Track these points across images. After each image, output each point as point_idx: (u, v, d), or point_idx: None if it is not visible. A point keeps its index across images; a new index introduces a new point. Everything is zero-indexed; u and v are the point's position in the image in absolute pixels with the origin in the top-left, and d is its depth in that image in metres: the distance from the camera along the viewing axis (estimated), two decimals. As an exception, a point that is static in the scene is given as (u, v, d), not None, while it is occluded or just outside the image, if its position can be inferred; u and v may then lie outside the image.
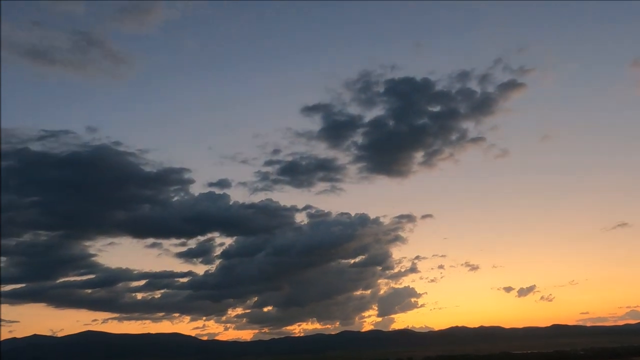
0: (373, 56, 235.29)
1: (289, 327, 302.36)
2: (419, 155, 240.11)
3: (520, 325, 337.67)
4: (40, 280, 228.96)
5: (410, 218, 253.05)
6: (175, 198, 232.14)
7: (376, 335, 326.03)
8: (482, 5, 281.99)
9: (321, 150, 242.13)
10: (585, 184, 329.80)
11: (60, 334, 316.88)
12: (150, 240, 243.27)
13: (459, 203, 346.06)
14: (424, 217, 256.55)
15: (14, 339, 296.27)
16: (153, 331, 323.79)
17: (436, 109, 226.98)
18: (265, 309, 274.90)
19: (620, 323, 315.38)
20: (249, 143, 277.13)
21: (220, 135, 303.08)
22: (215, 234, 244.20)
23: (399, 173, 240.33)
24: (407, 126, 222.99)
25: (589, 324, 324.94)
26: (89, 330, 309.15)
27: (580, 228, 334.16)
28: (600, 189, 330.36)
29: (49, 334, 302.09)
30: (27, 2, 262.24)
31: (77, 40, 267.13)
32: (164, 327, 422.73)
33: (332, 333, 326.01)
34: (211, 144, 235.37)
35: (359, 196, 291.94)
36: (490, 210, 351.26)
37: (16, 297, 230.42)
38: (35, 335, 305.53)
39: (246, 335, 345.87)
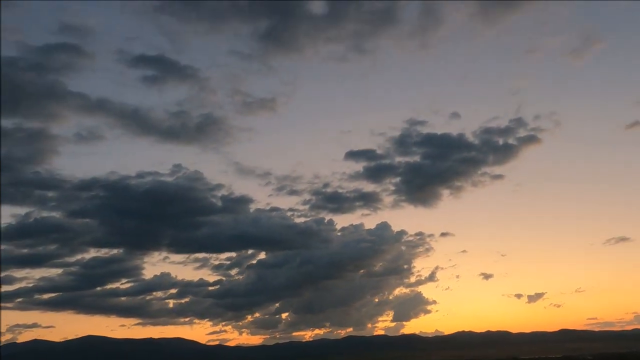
0: (411, 118, 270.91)
1: (300, 333, 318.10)
2: (445, 192, 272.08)
3: (527, 330, 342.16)
4: (82, 290, 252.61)
5: (432, 236, 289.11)
6: (230, 220, 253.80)
7: (382, 340, 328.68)
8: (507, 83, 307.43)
9: (363, 186, 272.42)
10: (587, 201, 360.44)
11: (60, 339, 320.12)
12: (194, 256, 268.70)
13: (477, 223, 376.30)
14: (444, 234, 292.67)
15: (14, 343, 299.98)
16: (156, 336, 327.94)
17: (463, 155, 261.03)
18: (282, 315, 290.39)
19: (629, 328, 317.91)
20: (303, 177, 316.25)
21: (280, 171, 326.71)
22: (256, 250, 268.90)
23: (427, 203, 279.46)
24: (437, 170, 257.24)
25: (596, 329, 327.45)
26: (89, 335, 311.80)
27: (586, 240, 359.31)
28: (602, 203, 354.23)
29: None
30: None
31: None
32: (168, 331, 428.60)
33: (338, 338, 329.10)
34: (272, 180, 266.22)
35: (390, 219, 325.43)
36: (505, 228, 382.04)
37: (55, 305, 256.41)
38: (35, 340, 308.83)
39: (257, 340, 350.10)
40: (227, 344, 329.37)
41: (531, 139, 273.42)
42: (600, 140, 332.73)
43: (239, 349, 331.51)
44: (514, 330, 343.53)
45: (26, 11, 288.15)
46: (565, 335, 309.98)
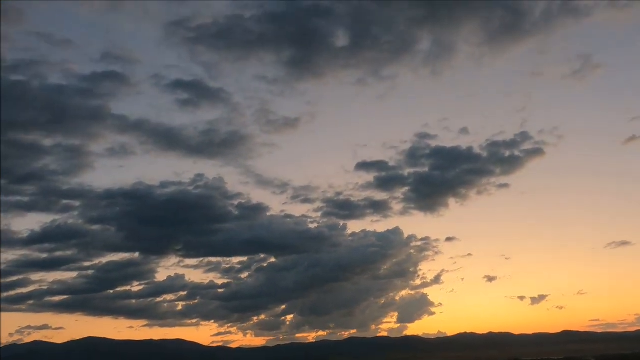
0: (422, 132, 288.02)
1: (304, 334, 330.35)
2: (452, 200, 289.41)
3: (530, 331, 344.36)
4: (94, 292, 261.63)
5: (438, 240, 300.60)
6: (245, 226, 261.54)
7: (384, 342, 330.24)
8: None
9: (374, 194, 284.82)
10: (588, 208, 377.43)
11: (61, 340, 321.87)
12: (208, 260, 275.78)
13: (482, 228, 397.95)
14: (450, 239, 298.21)
15: (15, 344, 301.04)
16: (161, 337, 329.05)
17: (470, 166, 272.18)
18: (287, 317, 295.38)
19: (631, 329, 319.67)
20: (319, 187, 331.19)
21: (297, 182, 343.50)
22: (267, 255, 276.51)
23: (434, 210, 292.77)
24: (444, 179, 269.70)
25: (599, 331, 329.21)
26: (90, 337, 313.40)
27: (588, 244, 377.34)
28: (603, 210, 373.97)
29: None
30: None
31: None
32: (173, 333, 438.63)
33: (340, 339, 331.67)
34: (289, 190, 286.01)
35: (398, 225, 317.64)
36: (509, 232, 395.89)
37: (66, 307, 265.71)
38: (35, 342, 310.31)
39: (260, 342, 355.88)
40: (231, 345, 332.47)
41: (536, 152, 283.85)
42: (600, 153, 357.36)
43: (240, 350, 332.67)
44: (516, 331, 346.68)
45: (74, 44, 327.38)
46: (568, 337, 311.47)
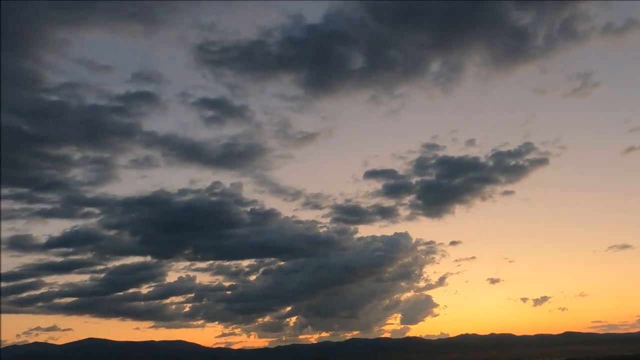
0: (430, 143, 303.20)
1: (307, 336, 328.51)
2: (458, 206, 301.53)
3: (532, 332, 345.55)
4: (103, 295, 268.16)
5: (442, 244, 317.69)
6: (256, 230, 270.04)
7: (386, 343, 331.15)
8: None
9: (382, 201, 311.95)
10: (590, 213, 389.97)
11: (61, 342, 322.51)
12: (218, 263, 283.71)
13: (486, 232, 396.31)
14: (454, 243, 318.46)
15: (15, 345, 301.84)
16: (157, 338, 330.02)
17: (476, 174, 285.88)
18: (291, 319, 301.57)
19: (633, 331, 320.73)
20: (331, 195, 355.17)
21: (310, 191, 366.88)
22: (276, 258, 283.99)
23: (440, 215, 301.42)
24: (450, 187, 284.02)
25: (601, 332, 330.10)
26: (90, 338, 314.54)
27: (590, 248, 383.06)
28: (604, 215, 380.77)
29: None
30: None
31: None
32: (178, 334, 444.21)
33: (341, 341, 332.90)
34: (301, 198, 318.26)
35: (404, 229, 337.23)
36: (513, 236, 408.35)
37: (74, 309, 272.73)
38: (36, 343, 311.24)
39: (262, 343, 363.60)
40: (234, 346, 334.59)
41: (540, 161, 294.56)
42: (601, 162, 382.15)
43: (241, 352, 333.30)
44: (518, 332, 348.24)
45: (110, 68, 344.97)
46: (570, 338, 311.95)
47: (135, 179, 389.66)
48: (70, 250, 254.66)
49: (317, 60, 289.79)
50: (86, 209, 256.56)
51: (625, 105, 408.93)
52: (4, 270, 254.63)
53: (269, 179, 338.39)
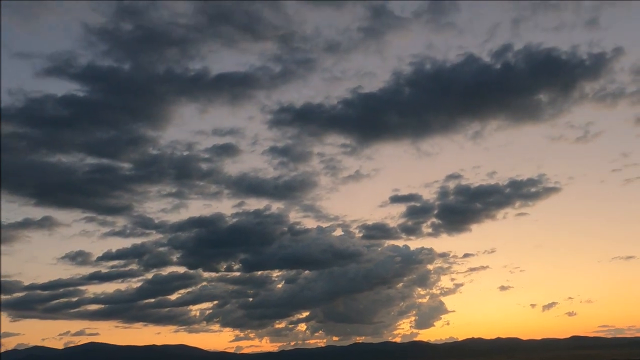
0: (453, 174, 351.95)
1: (316, 340, 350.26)
2: (474, 225, 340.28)
3: (538, 337, 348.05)
4: (133, 302, 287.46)
5: (456, 256, 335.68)
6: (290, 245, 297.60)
7: (391, 347, 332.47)
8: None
9: (406, 221, 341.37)
10: (595, 227, 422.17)
11: (62, 346, 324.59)
12: (250, 274, 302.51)
13: (499, 244, 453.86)
14: (468, 255, 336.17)
15: (15, 350, 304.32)
16: (159, 342, 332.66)
17: (491, 199, 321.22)
18: (303, 324, 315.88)
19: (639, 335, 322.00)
20: (362, 218, 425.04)
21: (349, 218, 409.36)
22: (301, 269, 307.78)
23: (458, 232, 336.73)
24: (469, 210, 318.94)
25: (608, 336, 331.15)
26: (90, 342, 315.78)
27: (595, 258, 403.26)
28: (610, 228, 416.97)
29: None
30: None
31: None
32: (190, 338, 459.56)
33: (344, 345, 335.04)
34: (338, 221, 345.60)
35: (424, 244, 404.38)
36: (523, 249, 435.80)
37: (103, 315, 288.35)
38: (35, 347, 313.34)
39: (270, 347, 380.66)
40: (243, 351, 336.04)
41: (552, 189, 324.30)
42: (606, 190, 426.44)
43: (243, 356, 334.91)
44: (525, 337, 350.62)
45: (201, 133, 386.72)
46: (576, 342, 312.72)
47: (200, 207, 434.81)
48: (118, 263, 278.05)
49: (362, 117, 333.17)
50: (148, 231, 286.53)
51: (621, 150, 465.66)
52: (53, 278, 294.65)
53: (314, 207, 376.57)
